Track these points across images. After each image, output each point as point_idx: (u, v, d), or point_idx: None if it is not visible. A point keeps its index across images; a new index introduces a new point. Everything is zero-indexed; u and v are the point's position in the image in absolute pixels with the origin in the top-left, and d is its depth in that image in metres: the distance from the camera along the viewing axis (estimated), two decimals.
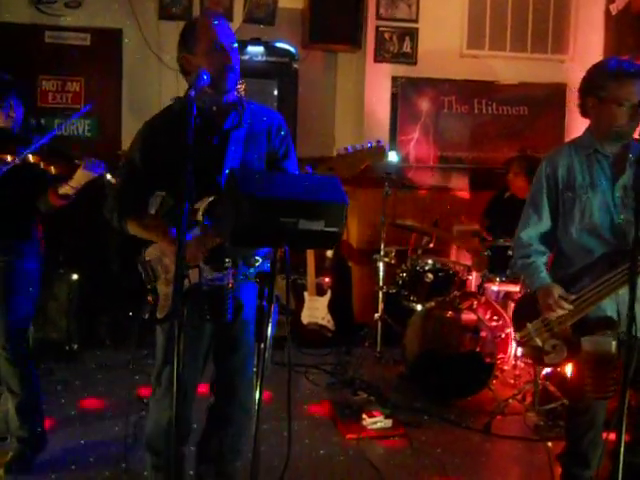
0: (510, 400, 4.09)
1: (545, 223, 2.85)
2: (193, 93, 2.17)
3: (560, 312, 2.69)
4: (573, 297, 2.68)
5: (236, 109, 2.53)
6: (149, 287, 2.47)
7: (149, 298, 2.45)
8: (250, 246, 2.33)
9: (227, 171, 2.40)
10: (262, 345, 2.02)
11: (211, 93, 2.45)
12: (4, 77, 3.20)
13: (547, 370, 4.16)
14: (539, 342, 2.79)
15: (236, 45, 2.48)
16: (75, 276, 4.81)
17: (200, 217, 2.36)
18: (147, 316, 2.45)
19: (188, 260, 2.27)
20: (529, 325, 2.82)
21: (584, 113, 2.86)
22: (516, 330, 2.97)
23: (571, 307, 2.68)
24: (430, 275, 4.70)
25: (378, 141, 2.38)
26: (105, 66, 5.64)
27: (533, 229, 2.87)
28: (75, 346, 4.80)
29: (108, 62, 5.62)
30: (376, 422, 3.81)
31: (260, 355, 2.02)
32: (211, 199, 2.37)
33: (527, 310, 2.87)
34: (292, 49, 5.40)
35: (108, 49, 5.60)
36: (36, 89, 5.46)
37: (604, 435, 2.77)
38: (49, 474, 3.23)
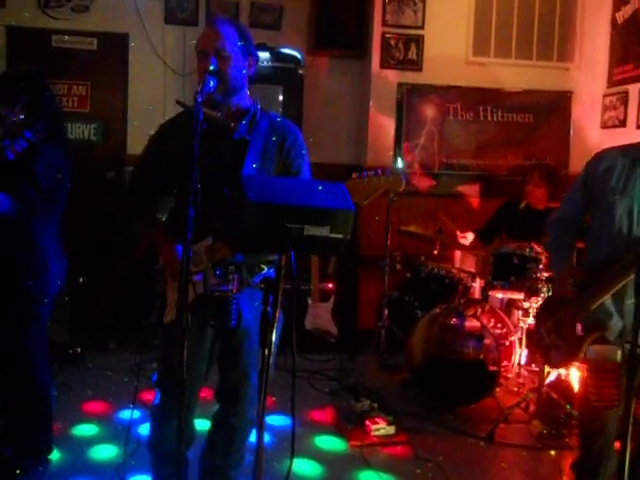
0: (514, 408, 4.08)
1: (575, 216, 2.93)
2: (200, 99, 2.18)
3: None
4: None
5: (249, 117, 2.51)
6: (158, 291, 2.47)
7: (157, 303, 2.45)
8: (255, 252, 2.34)
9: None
10: (266, 351, 2.01)
11: (216, 99, 2.44)
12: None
13: (551, 378, 4.15)
14: (548, 342, 2.83)
15: (227, 50, 2.38)
16: (80, 279, 4.81)
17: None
18: (154, 320, 2.45)
19: (194, 264, 2.28)
20: (543, 326, 2.88)
21: None
22: (536, 328, 3.02)
23: None
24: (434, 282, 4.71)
25: (396, 169, 2.35)
26: (111, 70, 5.66)
27: (564, 217, 2.97)
28: (79, 349, 4.80)
29: (114, 66, 5.65)
30: (379, 429, 3.80)
31: (264, 361, 2.01)
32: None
33: (547, 310, 2.93)
34: (298, 55, 5.42)
35: (114, 53, 5.63)
36: None
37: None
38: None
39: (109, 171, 5.64)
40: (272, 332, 2.01)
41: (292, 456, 2.09)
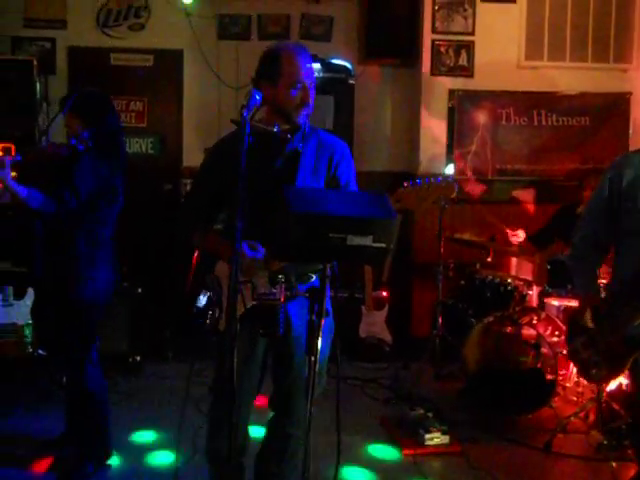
0: (572, 418, 3.99)
1: (600, 228, 2.84)
2: (246, 113, 2.23)
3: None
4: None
5: (300, 133, 2.56)
6: (213, 299, 2.52)
7: (212, 310, 2.51)
8: (299, 262, 2.37)
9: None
10: (312, 358, 2.05)
11: (275, 118, 2.52)
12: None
13: (611, 387, 4.04)
14: (585, 357, 2.76)
15: (314, 82, 2.53)
16: (139, 290, 4.93)
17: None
18: (208, 327, 2.51)
19: (247, 275, 2.33)
20: (577, 339, 2.80)
21: None
22: (567, 343, 2.95)
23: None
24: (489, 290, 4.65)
25: (448, 176, 2.37)
26: (167, 85, 5.82)
27: (587, 232, 2.89)
28: (138, 358, 4.92)
29: (170, 82, 5.81)
30: (433, 438, 3.77)
31: (310, 368, 2.04)
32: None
33: (578, 325, 2.84)
34: (348, 65, 5.45)
35: (170, 69, 5.79)
36: None
37: None
38: None
39: (166, 183, 5.78)
40: (317, 340, 2.04)
41: (338, 463, 2.11)
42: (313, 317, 2.04)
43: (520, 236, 4.88)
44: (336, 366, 2.27)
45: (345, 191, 2.52)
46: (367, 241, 1.93)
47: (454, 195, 2.30)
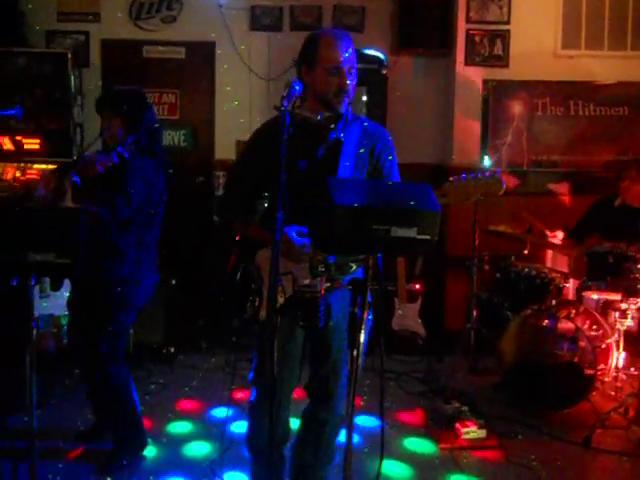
0: (612, 413, 3.91)
1: None
2: (287, 103, 2.21)
3: None
4: None
5: (342, 121, 2.53)
6: (254, 289, 2.52)
7: (253, 300, 2.50)
8: (342, 253, 2.35)
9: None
10: (355, 352, 2.02)
11: (318, 107, 2.50)
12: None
13: None
14: None
15: (355, 68, 2.47)
16: (173, 281, 4.96)
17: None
18: (249, 316, 2.50)
19: (294, 261, 2.31)
20: None
21: None
22: None
23: None
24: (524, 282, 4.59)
25: (496, 171, 2.29)
26: (199, 78, 5.81)
27: None
28: (172, 349, 4.95)
29: (202, 74, 5.80)
30: (470, 432, 3.74)
31: (353, 362, 2.02)
32: None
33: None
34: (381, 55, 5.40)
35: (202, 61, 5.79)
36: None
37: None
38: (146, 475, 3.34)
39: (199, 176, 5.80)
40: (360, 333, 2.02)
41: (381, 457, 2.09)
42: (356, 310, 2.01)
43: (559, 237, 4.81)
44: (380, 361, 2.22)
45: (389, 182, 2.49)
46: (411, 233, 1.90)
47: (502, 192, 2.23)
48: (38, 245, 2.12)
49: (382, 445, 2.10)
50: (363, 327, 2.00)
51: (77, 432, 3.70)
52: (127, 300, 3.28)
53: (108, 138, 3.28)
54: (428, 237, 1.92)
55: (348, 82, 2.46)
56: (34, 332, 2.43)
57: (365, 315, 2.01)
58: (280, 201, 2.06)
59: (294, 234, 2.35)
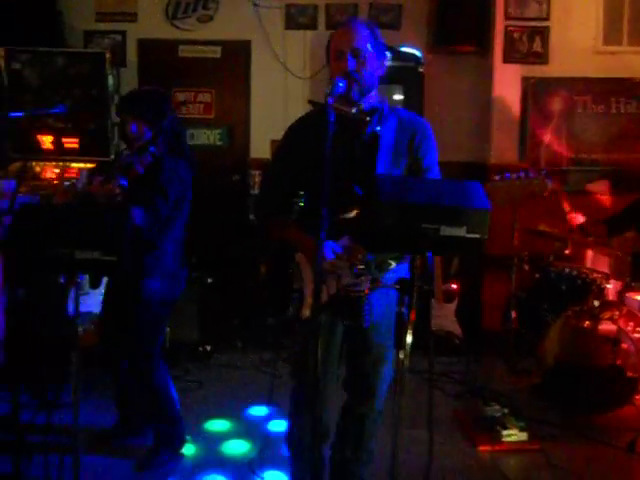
0: None
1: None
2: (331, 100, 2.19)
3: None
4: None
5: (378, 114, 2.49)
6: (295, 288, 2.50)
7: (295, 299, 2.48)
8: (390, 252, 2.32)
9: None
10: (401, 353, 2.00)
11: (342, 101, 2.45)
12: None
13: None
14: None
15: (363, 50, 2.39)
16: (209, 280, 4.97)
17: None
18: (291, 315, 2.48)
19: (331, 270, 2.29)
20: None
21: None
22: None
23: None
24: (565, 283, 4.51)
25: (541, 171, 2.24)
26: (235, 77, 5.82)
27: None
28: (208, 347, 4.96)
29: (237, 73, 5.81)
30: (511, 435, 3.67)
31: (400, 363, 1.99)
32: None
33: None
34: (418, 53, 5.36)
35: (237, 60, 5.79)
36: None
37: None
38: (186, 472, 3.35)
39: (234, 175, 5.81)
40: (407, 334, 1.99)
41: (430, 461, 2.06)
42: (403, 309, 1.98)
43: (579, 219, 4.67)
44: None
45: (438, 180, 2.45)
46: (461, 232, 1.87)
47: (547, 193, 2.18)
48: (86, 243, 2.12)
49: (431, 450, 2.07)
50: (410, 327, 1.97)
51: (102, 430, 3.68)
52: (165, 295, 3.31)
53: (133, 139, 3.29)
54: (478, 236, 1.90)
55: (350, 66, 2.36)
56: (79, 329, 2.43)
57: (412, 315, 1.98)
58: (325, 197, 2.03)
59: (328, 249, 2.30)
